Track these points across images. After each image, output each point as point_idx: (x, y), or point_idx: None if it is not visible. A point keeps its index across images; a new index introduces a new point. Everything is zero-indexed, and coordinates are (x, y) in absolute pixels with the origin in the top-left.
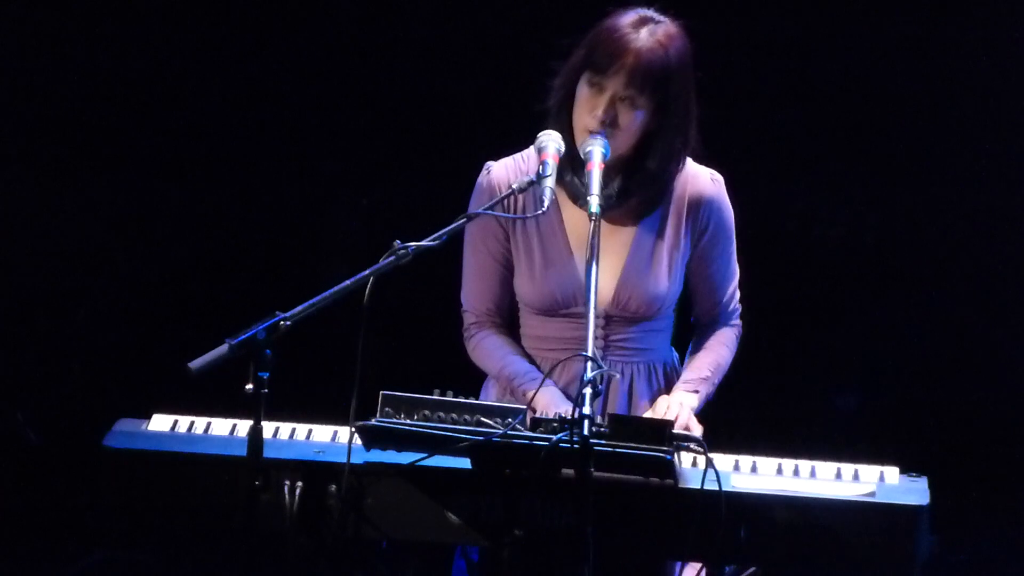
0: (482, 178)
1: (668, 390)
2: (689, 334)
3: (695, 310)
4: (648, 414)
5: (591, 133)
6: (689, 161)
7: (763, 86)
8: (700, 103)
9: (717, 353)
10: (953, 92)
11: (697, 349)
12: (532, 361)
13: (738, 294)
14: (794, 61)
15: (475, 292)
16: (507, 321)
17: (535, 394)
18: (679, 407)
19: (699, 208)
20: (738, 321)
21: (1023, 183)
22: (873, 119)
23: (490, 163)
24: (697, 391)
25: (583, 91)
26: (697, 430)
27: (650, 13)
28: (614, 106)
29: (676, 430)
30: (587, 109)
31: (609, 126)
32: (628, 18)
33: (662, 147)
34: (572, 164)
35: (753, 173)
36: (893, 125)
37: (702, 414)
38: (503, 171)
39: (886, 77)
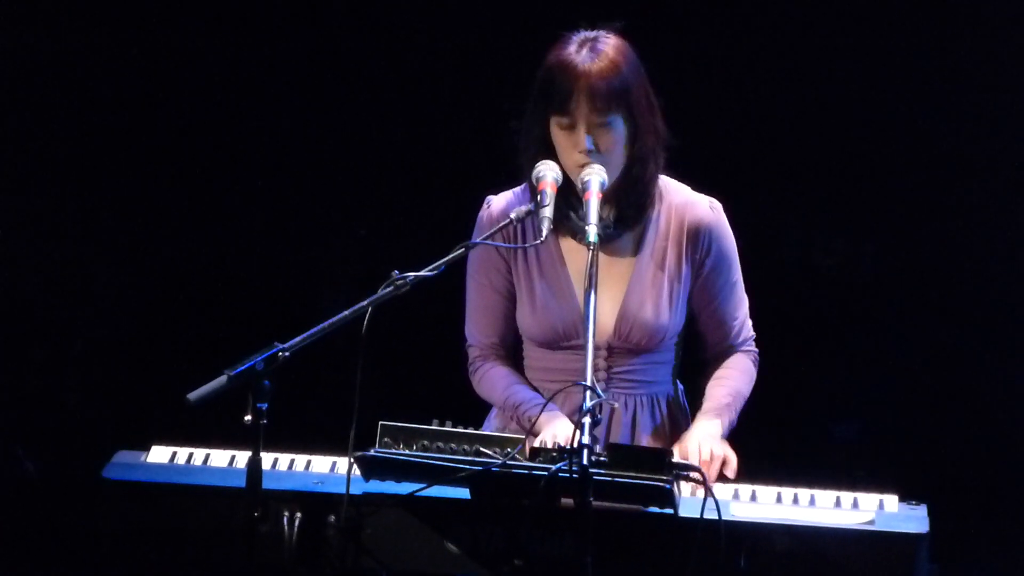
0: (483, 212)
1: (671, 423)
2: (697, 368)
3: (707, 343)
4: (675, 453)
5: (583, 165)
6: (687, 188)
7: (760, 113)
8: (658, 94)
9: (734, 380)
10: (949, 119)
11: (713, 380)
12: (536, 391)
13: (749, 322)
14: (791, 87)
15: (479, 326)
16: (511, 353)
17: (537, 418)
18: (709, 441)
19: (698, 237)
20: (753, 348)
21: (1020, 210)
22: (870, 146)
23: (491, 197)
24: (720, 417)
25: (558, 135)
26: (733, 458)
27: (587, 34)
28: (592, 133)
29: (713, 467)
30: (569, 148)
31: (598, 153)
32: (570, 46)
33: (639, 148)
34: (569, 199)
35: (750, 201)
36: (890, 152)
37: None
38: (504, 205)
39: (884, 103)
